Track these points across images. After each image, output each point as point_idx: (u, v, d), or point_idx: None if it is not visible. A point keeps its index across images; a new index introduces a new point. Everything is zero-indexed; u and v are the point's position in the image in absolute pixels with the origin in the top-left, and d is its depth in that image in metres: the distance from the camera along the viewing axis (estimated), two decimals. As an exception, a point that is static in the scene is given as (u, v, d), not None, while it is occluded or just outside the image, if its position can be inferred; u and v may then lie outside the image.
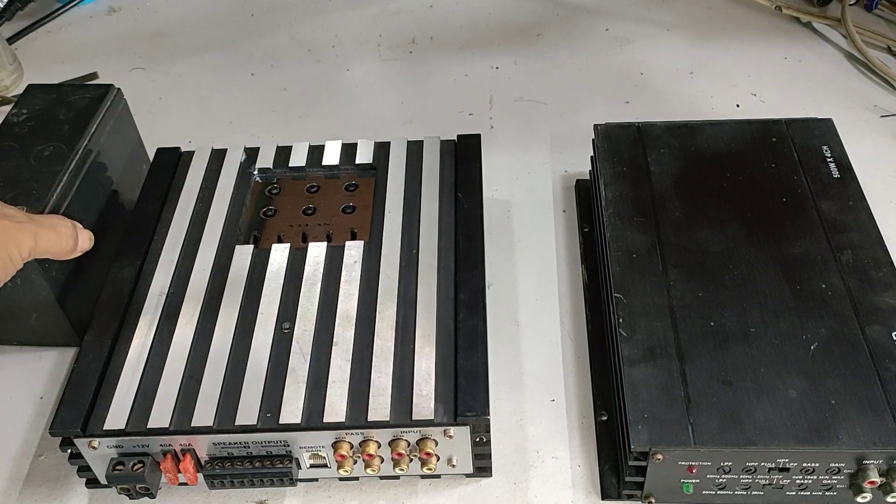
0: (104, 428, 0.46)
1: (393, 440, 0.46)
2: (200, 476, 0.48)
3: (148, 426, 0.46)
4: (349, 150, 0.62)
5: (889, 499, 0.46)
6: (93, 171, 0.59)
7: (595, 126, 0.63)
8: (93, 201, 0.59)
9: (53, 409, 0.55)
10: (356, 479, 0.50)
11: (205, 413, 0.46)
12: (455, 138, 0.63)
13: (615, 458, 0.50)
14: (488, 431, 0.46)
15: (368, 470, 0.48)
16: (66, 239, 0.48)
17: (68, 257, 0.49)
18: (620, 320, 0.50)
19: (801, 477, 0.45)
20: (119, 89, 0.63)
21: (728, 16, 0.88)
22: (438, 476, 0.50)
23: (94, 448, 0.46)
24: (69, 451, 0.47)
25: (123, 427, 0.46)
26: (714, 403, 0.45)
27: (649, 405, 0.45)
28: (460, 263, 0.53)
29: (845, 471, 0.45)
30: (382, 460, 0.48)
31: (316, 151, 0.62)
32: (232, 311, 0.51)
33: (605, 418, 0.52)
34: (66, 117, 0.60)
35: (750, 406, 0.45)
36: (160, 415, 0.46)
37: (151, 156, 0.63)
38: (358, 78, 0.83)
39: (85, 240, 0.50)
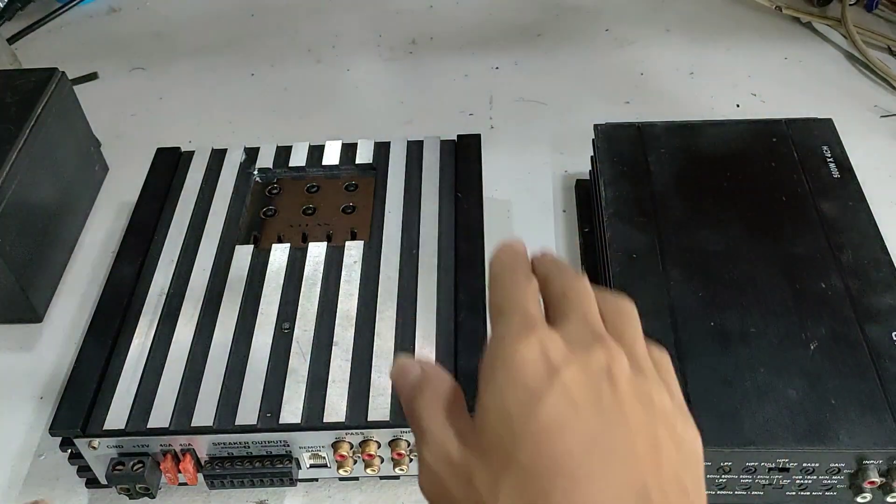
0: (104, 428, 0.46)
1: (393, 440, 0.46)
2: (200, 476, 0.48)
3: (148, 426, 0.46)
4: (349, 150, 0.62)
5: (889, 499, 0.46)
6: (40, 152, 0.61)
7: (595, 126, 0.63)
8: (40, 180, 0.61)
9: (53, 409, 0.55)
10: (356, 479, 0.50)
11: (205, 413, 0.46)
12: (455, 138, 0.63)
13: (615, 458, 0.50)
14: (488, 431, 0.46)
15: (368, 470, 0.48)
16: None
17: None
18: (620, 320, 0.50)
19: (801, 477, 0.45)
20: (63, 73, 0.65)
21: (728, 16, 0.88)
22: (438, 476, 0.50)
23: (93, 448, 0.46)
24: (69, 451, 0.47)
25: (123, 427, 0.46)
26: (714, 403, 0.45)
27: (649, 405, 0.45)
28: (460, 264, 0.53)
29: (845, 471, 0.45)
30: (382, 460, 0.48)
31: (316, 151, 0.62)
32: (232, 312, 0.51)
33: (605, 418, 0.52)
34: (13, 100, 0.62)
35: (750, 406, 0.45)
36: (160, 415, 0.46)
37: (152, 156, 0.63)
38: (358, 78, 0.83)
39: None
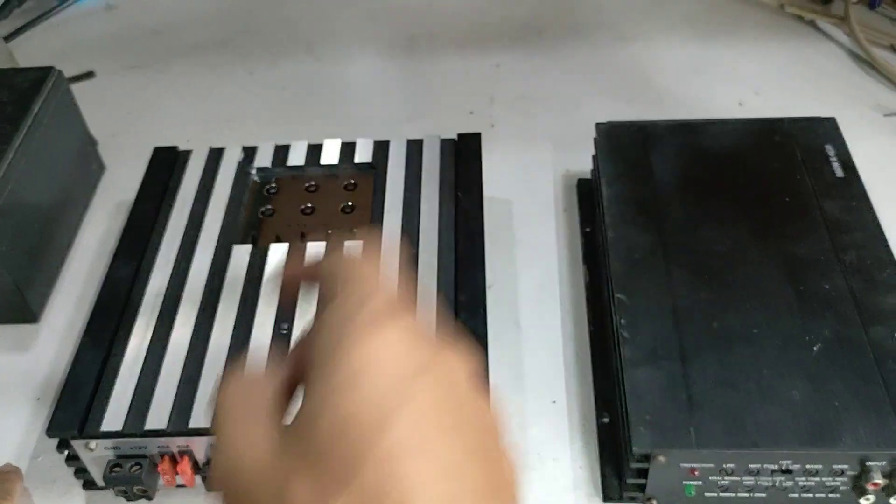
0: (101, 429, 0.45)
1: (392, 442, 0.46)
2: (198, 478, 0.48)
3: (145, 428, 0.45)
4: (348, 149, 0.62)
5: (893, 500, 0.45)
6: (37, 151, 0.60)
7: (597, 125, 0.62)
8: (37, 179, 0.61)
9: (50, 410, 0.55)
10: (355, 481, 0.50)
11: (202, 414, 0.46)
12: (455, 137, 0.62)
13: (617, 460, 0.50)
14: (489, 433, 0.46)
15: (368, 472, 0.47)
16: None
17: None
18: (622, 321, 0.49)
19: (804, 479, 0.45)
20: (60, 71, 0.64)
21: (731, 14, 0.87)
22: (438, 478, 0.50)
23: (90, 450, 0.46)
24: (66, 453, 0.47)
25: (120, 429, 0.45)
26: (717, 405, 0.45)
27: (651, 407, 0.45)
28: (460, 263, 0.53)
29: (849, 473, 0.44)
30: (382, 462, 0.47)
31: (314, 150, 0.62)
32: (230, 312, 0.51)
33: (606, 420, 0.52)
34: (9, 99, 0.61)
35: (753, 408, 0.44)
36: (157, 416, 0.46)
37: (150, 155, 0.63)
38: (357, 76, 0.83)
39: None
